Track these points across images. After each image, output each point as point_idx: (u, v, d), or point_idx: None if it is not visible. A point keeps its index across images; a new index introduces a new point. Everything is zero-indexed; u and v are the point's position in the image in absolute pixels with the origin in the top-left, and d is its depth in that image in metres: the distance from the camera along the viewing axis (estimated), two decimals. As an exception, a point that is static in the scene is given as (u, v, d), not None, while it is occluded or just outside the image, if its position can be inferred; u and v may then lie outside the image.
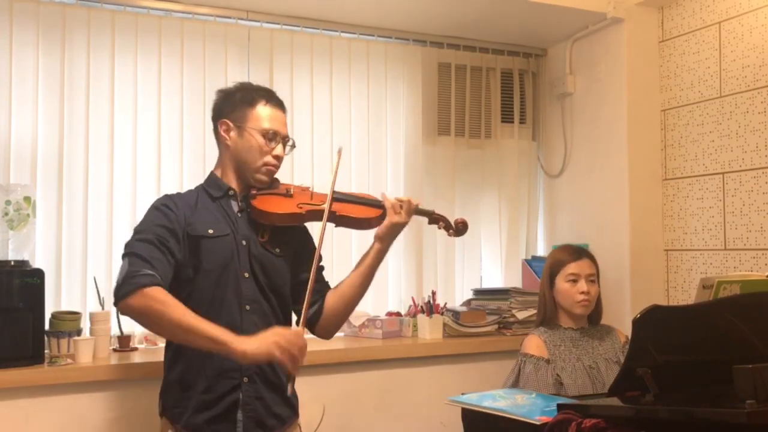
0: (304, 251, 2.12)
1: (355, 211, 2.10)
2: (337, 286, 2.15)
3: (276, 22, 3.13)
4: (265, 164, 2.05)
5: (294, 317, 2.15)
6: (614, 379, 1.69)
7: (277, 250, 2.06)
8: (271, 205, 2.03)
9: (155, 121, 2.92)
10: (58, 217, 2.75)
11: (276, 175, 2.14)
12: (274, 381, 2.00)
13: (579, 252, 2.60)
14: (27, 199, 2.50)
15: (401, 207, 2.08)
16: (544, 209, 3.71)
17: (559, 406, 1.68)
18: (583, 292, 2.51)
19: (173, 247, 1.92)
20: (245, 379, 1.95)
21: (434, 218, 2.21)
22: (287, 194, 2.09)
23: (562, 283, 2.54)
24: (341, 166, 2.15)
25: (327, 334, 2.16)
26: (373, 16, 3.20)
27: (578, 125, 3.49)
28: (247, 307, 1.98)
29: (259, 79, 3.07)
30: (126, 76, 2.87)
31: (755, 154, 2.86)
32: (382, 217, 2.10)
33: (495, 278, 3.57)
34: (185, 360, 1.97)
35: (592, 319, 2.61)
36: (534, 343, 2.51)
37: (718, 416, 1.36)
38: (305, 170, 3.13)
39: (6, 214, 2.45)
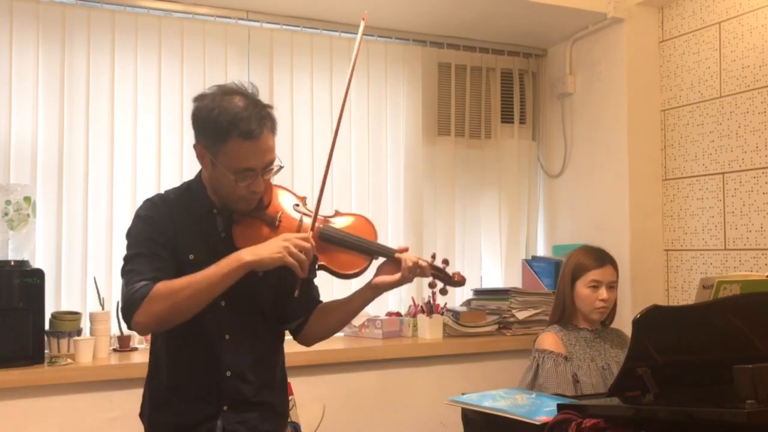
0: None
1: (340, 261, 1.88)
2: (321, 311, 2.00)
3: (276, 22, 3.13)
4: (241, 198, 1.81)
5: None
6: (614, 379, 1.69)
7: (260, 273, 1.85)
8: (248, 243, 1.80)
9: (155, 121, 2.92)
10: (58, 217, 2.75)
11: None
12: (258, 401, 1.89)
13: (603, 258, 2.57)
14: (27, 199, 2.50)
15: (416, 271, 1.91)
16: (544, 209, 3.71)
17: (559, 406, 1.68)
18: (602, 300, 2.50)
19: (166, 257, 1.80)
20: (225, 407, 1.84)
21: (432, 275, 1.97)
22: (272, 225, 1.85)
23: (582, 288, 2.53)
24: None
25: (307, 345, 2.05)
26: (373, 17, 3.18)
27: (578, 125, 3.49)
28: (227, 336, 1.85)
29: (259, 80, 3.08)
30: (126, 76, 2.87)
31: (755, 154, 2.86)
32: (368, 267, 1.90)
33: (495, 278, 3.57)
34: (162, 382, 1.87)
35: (605, 321, 2.62)
36: (551, 340, 2.51)
37: (718, 416, 1.36)
38: (305, 170, 3.13)
39: (6, 214, 2.46)
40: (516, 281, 3.51)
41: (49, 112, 2.76)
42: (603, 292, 2.51)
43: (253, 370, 1.89)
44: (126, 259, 1.81)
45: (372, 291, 1.93)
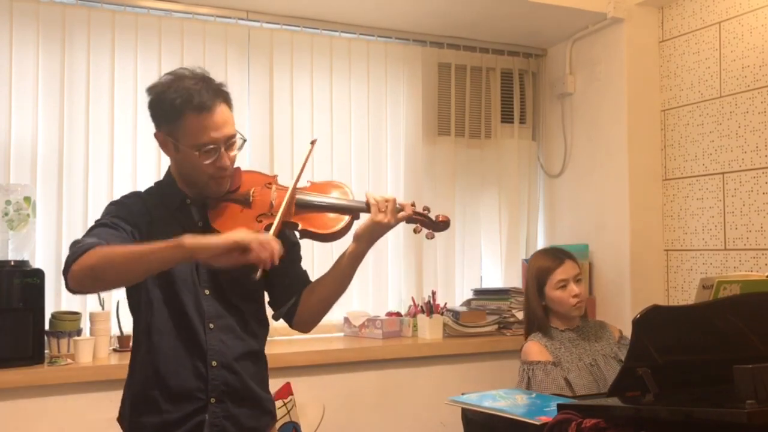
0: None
1: (321, 222, 1.88)
2: (313, 285, 1.97)
3: (276, 22, 3.13)
4: (211, 178, 1.81)
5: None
6: (614, 379, 1.69)
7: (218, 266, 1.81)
8: (225, 222, 1.83)
9: (155, 121, 2.91)
10: (58, 217, 2.75)
11: (243, 166, 1.96)
12: (245, 395, 1.86)
13: (559, 256, 2.56)
14: (27, 199, 2.50)
15: (386, 206, 1.85)
16: (544, 209, 3.71)
17: (559, 406, 1.68)
18: (575, 295, 2.51)
19: (128, 232, 1.79)
20: (213, 400, 1.80)
21: (412, 219, 1.92)
22: (245, 203, 1.87)
23: (552, 292, 2.52)
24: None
25: (305, 329, 2.00)
26: (373, 16, 3.20)
27: (578, 125, 3.49)
28: (211, 326, 1.83)
29: (259, 79, 3.09)
30: (126, 76, 2.87)
31: (755, 154, 2.86)
32: (353, 221, 1.90)
33: (495, 278, 3.57)
34: (147, 375, 1.83)
35: (584, 315, 2.62)
36: (536, 349, 2.50)
37: (718, 416, 1.36)
38: (305, 171, 3.12)
39: (6, 214, 2.46)
40: (516, 281, 3.51)
41: (49, 112, 2.76)
42: (573, 288, 2.51)
43: (239, 362, 1.86)
44: (87, 230, 1.81)
45: (356, 242, 1.88)
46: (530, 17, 3.25)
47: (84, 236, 1.78)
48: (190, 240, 1.59)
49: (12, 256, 2.46)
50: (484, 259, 3.60)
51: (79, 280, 1.68)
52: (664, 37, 3.26)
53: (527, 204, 3.65)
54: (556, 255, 2.57)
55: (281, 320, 2.00)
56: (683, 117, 3.16)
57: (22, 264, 2.43)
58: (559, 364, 2.44)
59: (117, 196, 2.74)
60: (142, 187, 2.77)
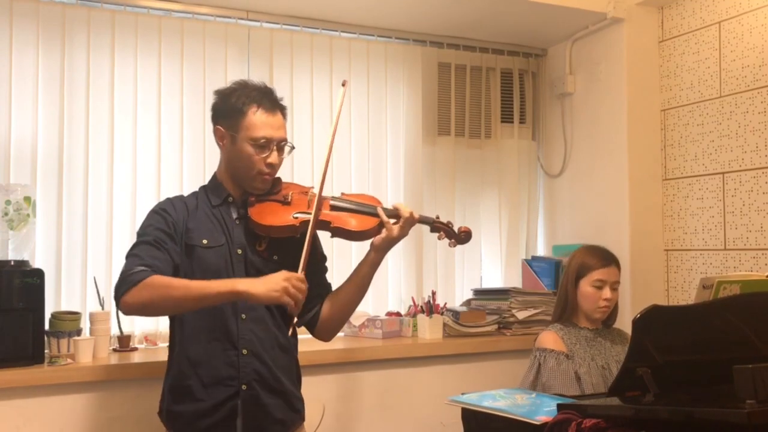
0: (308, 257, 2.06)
1: (351, 222, 2.07)
2: (334, 293, 2.15)
3: (276, 22, 3.13)
4: (259, 173, 2.03)
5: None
6: (614, 379, 1.70)
7: (275, 257, 2.05)
8: (266, 216, 2.02)
9: (155, 121, 2.92)
10: (58, 217, 2.75)
11: (278, 175, 2.13)
12: (275, 386, 1.99)
13: (607, 258, 2.58)
14: (27, 199, 2.50)
15: (395, 222, 2.07)
16: (544, 209, 3.71)
17: (559, 406, 1.68)
18: (606, 299, 2.52)
19: (171, 249, 1.95)
20: (244, 387, 1.95)
21: (436, 227, 2.20)
22: (284, 202, 2.07)
23: (586, 287, 2.54)
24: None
25: (326, 337, 2.17)
26: (373, 16, 3.20)
27: (578, 125, 3.49)
28: (243, 316, 1.98)
29: (258, 79, 3.07)
30: (126, 76, 2.87)
31: (755, 154, 2.86)
32: (381, 226, 2.08)
33: (495, 278, 3.57)
34: (182, 366, 1.98)
35: (607, 321, 2.62)
36: (551, 339, 2.52)
37: (718, 416, 1.36)
38: (305, 170, 3.13)
39: (6, 214, 2.46)
40: (516, 281, 3.51)
41: (49, 112, 2.76)
42: (606, 292, 2.52)
43: (269, 353, 2.00)
44: (133, 245, 1.97)
45: (374, 251, 2.09)
46: (530, 17, 3.25)
47: (131, 257, 1.93)
48: (242, 287, 1.82)
49: (12, 256, 2.46)
50: (484, 259, 3.60)
51: (132, 311, 1.91)
52: (664, 36, 3.26)
53: (527, 204, 3.64)
54: (604, 256, 2.59)
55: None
56: (683, 117, 3.16)
57: (22, 264, 2.43)
58: (572, 358, 2.46)
59: (116, 196, 2.82)
60: (142, 187, 2.85)
